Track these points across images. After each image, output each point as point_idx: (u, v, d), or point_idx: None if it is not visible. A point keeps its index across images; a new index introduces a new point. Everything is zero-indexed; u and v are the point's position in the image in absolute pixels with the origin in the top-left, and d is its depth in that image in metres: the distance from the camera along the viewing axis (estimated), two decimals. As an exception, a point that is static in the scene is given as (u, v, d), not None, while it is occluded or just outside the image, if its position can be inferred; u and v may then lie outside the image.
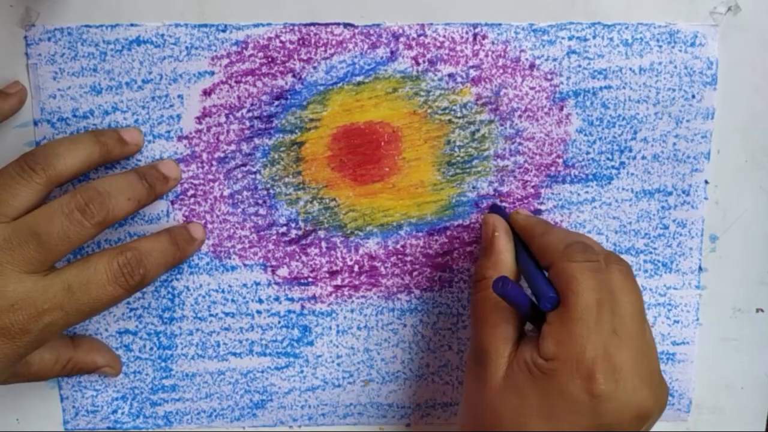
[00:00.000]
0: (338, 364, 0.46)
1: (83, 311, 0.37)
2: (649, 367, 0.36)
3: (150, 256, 0.39)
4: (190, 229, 0.43)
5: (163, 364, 0.46)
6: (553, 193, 0.44)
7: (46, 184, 0.38)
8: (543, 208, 0.45)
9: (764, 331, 0.47)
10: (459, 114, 0.43)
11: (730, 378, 0.48)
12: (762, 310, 0.47)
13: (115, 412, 0.46)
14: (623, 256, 0.45)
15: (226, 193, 0.44)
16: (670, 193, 0.45)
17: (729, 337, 0.47)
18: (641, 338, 0.36)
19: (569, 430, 0.35)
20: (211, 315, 0.45)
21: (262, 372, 0.46)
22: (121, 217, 0.38)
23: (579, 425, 0.35)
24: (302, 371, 0.46)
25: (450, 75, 0.43)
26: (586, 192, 0.45)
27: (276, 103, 0.43)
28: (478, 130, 0.43)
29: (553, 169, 0.44)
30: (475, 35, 0.42)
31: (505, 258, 0.40)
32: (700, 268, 0.46)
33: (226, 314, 0.45)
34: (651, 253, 0.46)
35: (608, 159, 0.44)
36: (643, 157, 0.44)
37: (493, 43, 0.42)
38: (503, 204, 0.44)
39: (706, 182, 0.45)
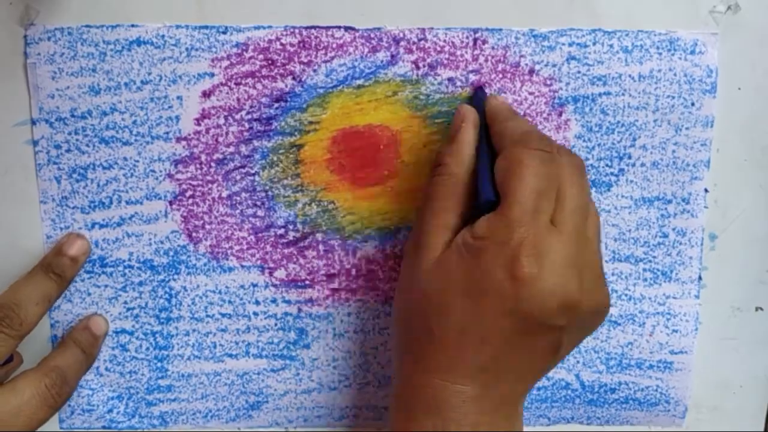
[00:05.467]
0: (334, 367, 0.46)
1: None
2: (584, 262, 0.35)
3: (70, 370, 0.42)
4: (91, 328, 0.44)
5: (159, 365, 0.46)
6: (551, 199, 0.44)
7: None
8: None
9: (764, 330, 0.47)
10: (458, 118, 0.43)
11: (729, 377, 0.48)
12: (761, 309, 0.47)
13: (110, 411, 0.46)
14: (622, 264, 0.45)
15: (224, 194, 0.44)
16: (670, 201, 0.45)
17: (728, 336, 0.47)
18: (580, 233, 0.35)
19: (491, 310, 0.34)
20: (207, 316, 0.45)
21: (258, 374, 0.46)
22: (35, 324, 0.40)
23: (501, 307, 0.34)
24: (298, 374, 0.46)
25: (450, 79, 0.43)
26: (585, 198, 0.44)
27: (275, 105, 0.43)
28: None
29: (552, 174, 0.44)
30: (475, 40, 0.42)
31: (465, 150, 0.39)
32: (700, 278, 0.46)
33: (223, 315, 0.45)
34: (650, 261, 0.45)
35: (607, 165, 0.44)
36: (643, 165, 0.44)
37: (493, 48, 0.42)
38: (488, 90, 0.43)
39: (706, 191, 0.45)
